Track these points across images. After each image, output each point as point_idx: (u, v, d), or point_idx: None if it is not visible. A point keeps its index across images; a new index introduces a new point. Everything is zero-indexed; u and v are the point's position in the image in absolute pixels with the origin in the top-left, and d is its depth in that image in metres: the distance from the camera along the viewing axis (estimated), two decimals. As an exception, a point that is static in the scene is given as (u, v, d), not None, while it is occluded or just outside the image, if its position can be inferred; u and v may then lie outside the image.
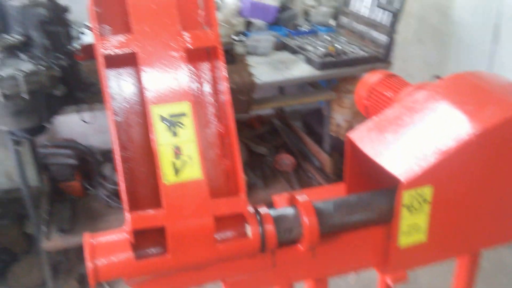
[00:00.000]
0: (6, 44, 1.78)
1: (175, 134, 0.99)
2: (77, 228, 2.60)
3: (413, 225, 1.16)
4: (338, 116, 3.63)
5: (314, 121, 3.84)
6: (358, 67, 2.86)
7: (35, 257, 2.76)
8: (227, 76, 1.10)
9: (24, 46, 1.86)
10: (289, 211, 1.12)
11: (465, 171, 1.13)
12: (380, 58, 2.87)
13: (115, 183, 2.63)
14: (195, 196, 0.99)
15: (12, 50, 1.81)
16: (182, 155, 0.99)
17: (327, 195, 1.44)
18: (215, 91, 1.14)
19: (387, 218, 1.16)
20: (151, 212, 0.97)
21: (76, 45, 2.18)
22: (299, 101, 3.43)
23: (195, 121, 1.01)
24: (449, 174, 1.12)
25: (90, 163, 2.89)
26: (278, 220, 1.09)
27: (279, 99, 3.43)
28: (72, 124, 3.22)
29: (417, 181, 1.10)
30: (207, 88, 1.14)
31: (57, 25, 1.94)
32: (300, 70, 2.88)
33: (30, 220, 2.64)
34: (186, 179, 0.99)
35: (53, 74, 1.93)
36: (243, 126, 3.72)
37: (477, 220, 1.22)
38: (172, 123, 0.99)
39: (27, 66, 1.83)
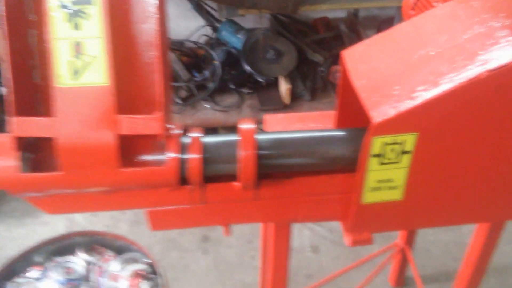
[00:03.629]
0: None
1: (77, 27, 0.79)
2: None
3: (385, 180, 0.91)
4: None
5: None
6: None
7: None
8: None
9: None
10: (229, 140, 0.91)
11: (468, 120, 0.83)
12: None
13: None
14: (96, 106, 0.80)
15: None
16: (82, 54, 0.79)
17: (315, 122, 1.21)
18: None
19: (353, 167, 0.91)
20: (40, 119, 0.81)
21: None
22: (357, 4, 2.95)
23: (108, 12, 0.79)
24: (442, 121, 0.83)
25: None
26: (210, 149, 0.89)
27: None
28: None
29: (392, 126, 0.83)
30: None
31: None
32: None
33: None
34: (86, 84, 0.80)
35: None
36: (303, 27, 3.35)
37: (476, 185, 0.93)
38: (74, 12, 0.79)
39: None
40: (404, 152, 0.87)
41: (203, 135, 0.90)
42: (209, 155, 0.89)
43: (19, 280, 1.34)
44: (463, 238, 2.64)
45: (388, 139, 0.84)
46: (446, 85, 0.80)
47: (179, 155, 0.86)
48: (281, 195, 0.97)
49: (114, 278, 1.33)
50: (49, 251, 1.46)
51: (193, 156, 0.87)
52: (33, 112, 0.83)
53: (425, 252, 2.57)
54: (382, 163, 0.88)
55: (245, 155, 0.87)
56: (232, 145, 0.89)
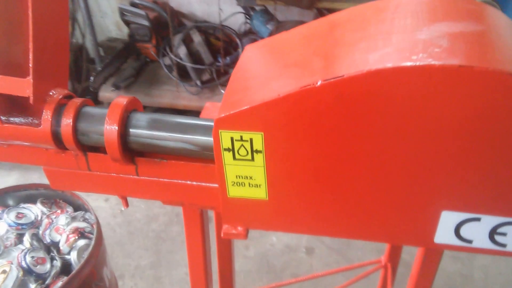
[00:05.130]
0: None
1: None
2: (133, 88, 2.71)
3: (244, 176, 0.91)
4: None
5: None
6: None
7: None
8: None
9: None
10: (103, 112, 0.96)
11: (310, 126, 0.81)
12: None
13: (178, 56, 2.62)
14: (-26, 64, 0.90)
15: None
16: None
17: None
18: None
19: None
20: None
21: None
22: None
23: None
24: (285, 124, 0.82)
25: (167, 28, 2.87)
26: (84, 118, 0.95)
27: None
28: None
29: (235, 122, 0.83)
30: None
31: None
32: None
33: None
34: (-31, 43, 0.89)
35: None
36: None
37: (334, 196, 0.89)
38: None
39: None
40: (255, 151, 0.86)
41: (82, 103, 0.96)
42: (83, 124, 0.95)
43: (-19, 217, 1.51)
44: (471, 270, 2.47)
45: (235, 135, 0.85)
46: (287, 88, 0.79)
47: (51, 118, 0.93)
48: (159, 175, 1.01)
49: (58, 230, 1.44)
50: (21, 197, 1.62)
51: (65, 121, 0.93)
52: None
53: (426, 277, 2.44)
54: (236, 159, 0.88)
55: (108, 129, 0.91)
56: (103, 116, 0.94)
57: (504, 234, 0.88)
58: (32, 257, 1.31)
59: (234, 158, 0.88)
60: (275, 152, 0.85)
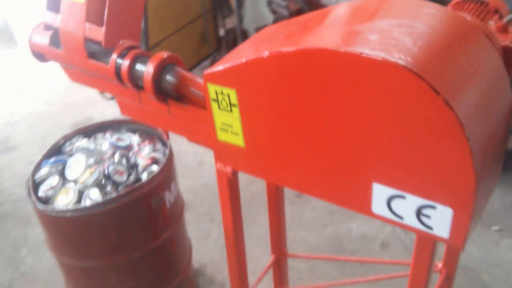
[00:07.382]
0: None
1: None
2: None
3: (227, 124, 1.17)
4: None
5: None
6: None
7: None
8: None
9: None
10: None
11: (267, 91, 1.03)
12: None
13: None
14: (76, 14, 1.32)
15: None
16: (75, -18, 1.31)
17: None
18: None
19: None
20: (54, 14, 1.37)
21: None
22: None
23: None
24: (251, 85, 1.05)
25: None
26: (138, 62, 1.30)
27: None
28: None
29: (217, 78, 1.10)
30: None
31: None
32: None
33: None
34: (75, 0, 1.32)
35: None
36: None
37: (303, 154, 1.06)
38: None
39: None
40: (232, 105, 1.12)
41: (140, 53, 1.31)
42: (136, 66, 1.30)
43: (99, 135, 2.02)
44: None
45: (217, 88, 1.11)
46: (249, 58, 1.03)
47: (116, 59, 1.31)
48: (183, 116, 1.32)
49: (141, 156, 1.88)
50: (130, 128, 2.10)
51: (125, 62, 1.30)
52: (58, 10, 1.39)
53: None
54: (220, 109, 1.15)
55: (146, 71, 1.25)
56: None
57: (428, 217, 0.96)
58: (114, 168, 1.75)
59: (219, 107, 1.15)
60: (246, 107, 1.09)
